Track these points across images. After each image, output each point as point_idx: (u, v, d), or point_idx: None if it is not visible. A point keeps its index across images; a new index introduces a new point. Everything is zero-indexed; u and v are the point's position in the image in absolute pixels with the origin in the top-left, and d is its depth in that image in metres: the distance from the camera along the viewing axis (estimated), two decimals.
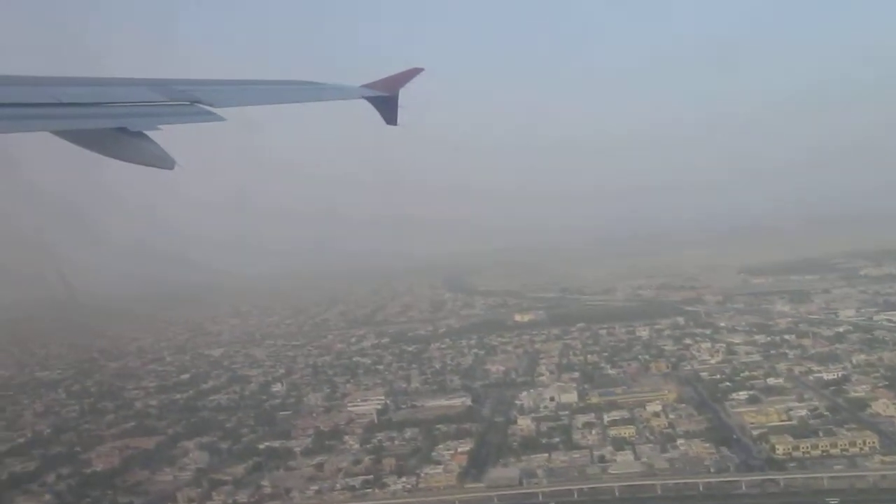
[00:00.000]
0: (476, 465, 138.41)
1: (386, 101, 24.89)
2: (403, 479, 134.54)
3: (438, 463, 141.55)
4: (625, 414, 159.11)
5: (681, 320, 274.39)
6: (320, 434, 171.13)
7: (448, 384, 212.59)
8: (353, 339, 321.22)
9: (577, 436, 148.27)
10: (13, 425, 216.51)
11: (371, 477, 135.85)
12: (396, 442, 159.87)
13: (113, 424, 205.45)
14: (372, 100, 24.61)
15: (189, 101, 18.57)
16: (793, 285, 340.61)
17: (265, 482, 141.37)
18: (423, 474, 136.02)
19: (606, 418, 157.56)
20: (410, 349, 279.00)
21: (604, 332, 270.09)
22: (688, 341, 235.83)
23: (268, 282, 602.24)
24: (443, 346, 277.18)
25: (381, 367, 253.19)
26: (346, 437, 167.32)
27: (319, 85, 23.29)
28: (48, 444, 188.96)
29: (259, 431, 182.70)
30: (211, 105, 18.54)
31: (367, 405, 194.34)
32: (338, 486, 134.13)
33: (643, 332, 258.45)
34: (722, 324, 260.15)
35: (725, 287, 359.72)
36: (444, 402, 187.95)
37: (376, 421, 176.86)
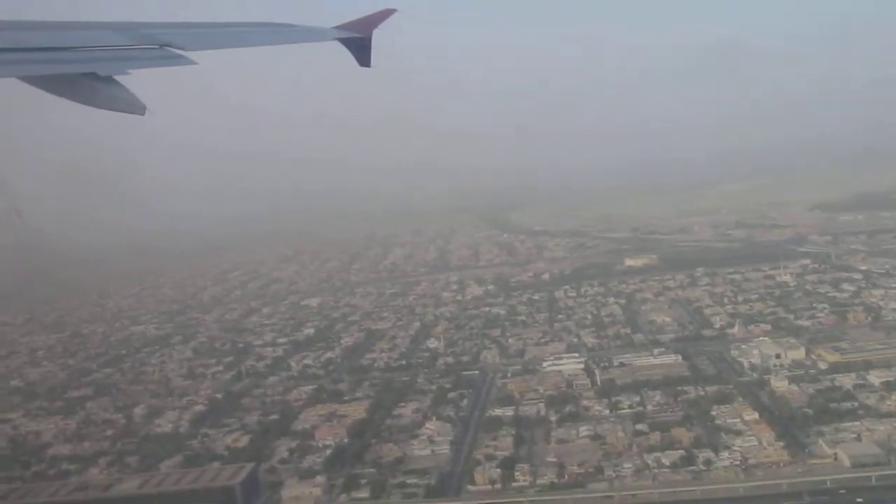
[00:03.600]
0: (786, 436, 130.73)
1: (359, 43, 25.37)
2: (723, 453, 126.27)
3: (737, 433, 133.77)
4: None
5: (809, 263, 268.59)
6: (550, 400, 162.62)
7: (629, 338, 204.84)
8: (454, 287, 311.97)
9: (870, 400, 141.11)
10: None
11: (682, 452, 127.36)
12: (650, 408, 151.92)
13: (291, 388, 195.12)
14: (345, 41, 24.97)
15: (159, 44, 18.47)
16: (888, 222, 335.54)
17: (552, 458, 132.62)
18: (735, 447, 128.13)
19: (875, 379, 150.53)
20: (536, 298, 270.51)
21: (738, 276, 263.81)
22: (848, 286, 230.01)
23: (283, 225, 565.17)
24: (569, 294, 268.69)
25: (522, 318, 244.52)
26: (585, 402, 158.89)
27: (292, 27, 23.58)
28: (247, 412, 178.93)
29: (469, 396, 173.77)
30: (182, 48, 18.54)
31: (564, 364, 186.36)
32: (651, 463, 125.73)
33: (785, 277, 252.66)
34: (862, 266, 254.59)
35: (815, 224, 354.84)
36: (652, 360, 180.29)
37: (599, 383, 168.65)
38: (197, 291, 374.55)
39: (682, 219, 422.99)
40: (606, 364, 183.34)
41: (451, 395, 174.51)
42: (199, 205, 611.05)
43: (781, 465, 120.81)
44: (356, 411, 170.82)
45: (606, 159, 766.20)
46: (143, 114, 16.35)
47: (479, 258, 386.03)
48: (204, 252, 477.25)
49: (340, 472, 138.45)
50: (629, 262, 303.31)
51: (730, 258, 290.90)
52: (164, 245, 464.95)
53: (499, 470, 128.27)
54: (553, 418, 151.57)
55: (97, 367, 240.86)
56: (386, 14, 27.02)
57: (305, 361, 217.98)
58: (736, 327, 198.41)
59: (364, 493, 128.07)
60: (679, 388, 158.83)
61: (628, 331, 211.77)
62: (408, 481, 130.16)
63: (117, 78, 16.69)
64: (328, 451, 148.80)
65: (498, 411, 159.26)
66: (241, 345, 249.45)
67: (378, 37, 26.19)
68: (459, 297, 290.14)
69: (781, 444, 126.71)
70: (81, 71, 16.40)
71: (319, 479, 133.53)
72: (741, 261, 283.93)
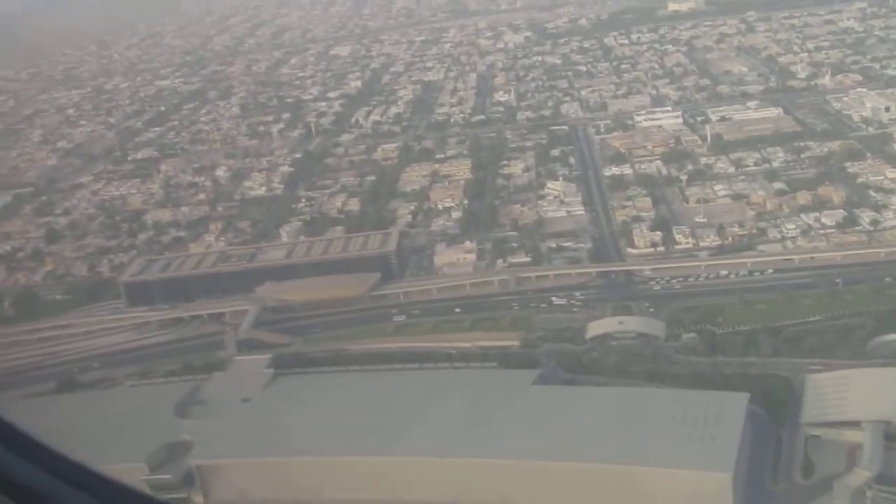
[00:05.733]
0: None
1: None
2: (886, 213, 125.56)
3: (888, 191, 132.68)
4: None
5: (866, 6, 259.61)
6: (665, 157, 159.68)
7: (712, 90, 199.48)
8: (488, 34, 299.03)
9: None
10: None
11: (841, 212, 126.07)
12: (776, 164, 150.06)
13: (372, 147, 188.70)
14: None
15: None
16: None
17: (701, 219, 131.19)
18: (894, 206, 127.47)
19: None
20: (586, 46, 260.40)
21: (795, 21, 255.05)
22: None
23: None
24: (621, 42, 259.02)
25: (582, 68, 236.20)
26: (703, 160, 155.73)
27: None
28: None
29: (573, 154, 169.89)
30: None
31: (660, 119, 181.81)
32: (813, 223, 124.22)
33: (849, 22, 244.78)
34: None
35: None
36: (752, 114, 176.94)
37: (709, 139, 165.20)
38: (204, 41, 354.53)
39: None
40: (703, 118, 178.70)
41: (553, 152, 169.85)
42: None
43: None
44: (459, 171, 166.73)
45: None
46: None
47: (497, 1, 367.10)
48: None
49: (481, 237, 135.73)
50: (673, 6, 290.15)
51: (778, 1, 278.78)
52: None
53: (657, 233, 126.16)
54: (679, 177, 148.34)
55: (143, 125, 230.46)
56: None
57: (373, 118, 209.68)
58: (826, 78, 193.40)
59: (520, 258, 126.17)
60: (796, 143, 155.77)
61: (707, 82, 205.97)
62: (563, 244, 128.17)
63: None
64: (454, 214, 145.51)
65: (614, 170, 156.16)
66: (289, 100, 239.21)
67: None
68: (501, 46, 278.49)
69: None
70: None
71: (468, 244, 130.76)
72: (790, 4, 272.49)
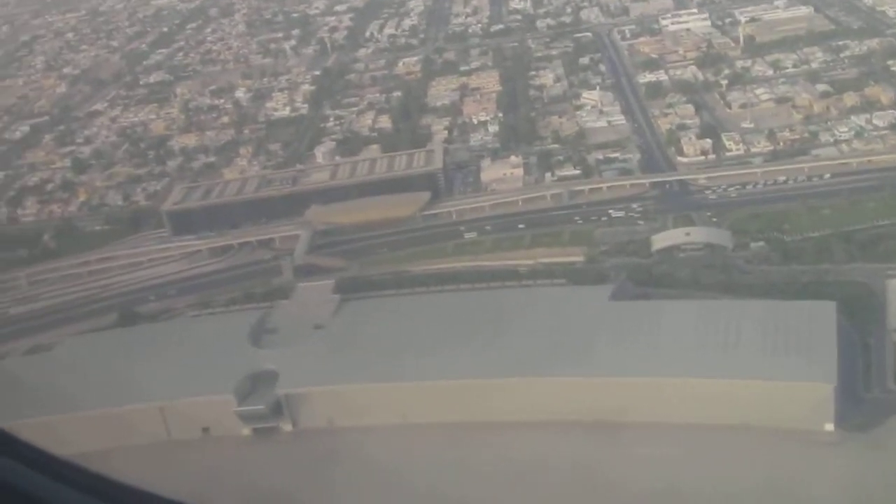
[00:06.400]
0: None
1: None
2: None
3: None
4: None
5: None
6: (699, 62, 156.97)
7: None
8: None
9: None
10: None
11: (894, 113, 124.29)
12: (815, 66, 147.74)
13: (392, 61, 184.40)
14: None
15: None
16: None
17: (748, 124, 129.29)
18: None
19: None
20: None
21: None
22: None
23: None
24: None
25: None
26: (739, 63, 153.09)
27: None
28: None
29: (602, 61, 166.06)
30: None
31: (687, 21, 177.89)
32: (865, 125, 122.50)
33: None
34: None
35: None
36: (782, 13, 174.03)
37: (741, 41, 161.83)
38: None
39: None
40: (731, 20, 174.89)
41: (582, 60, 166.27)
42: None
43: None
44: (487, 83, 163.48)
45: None
46: None
47: None
48: None
49: (523, 150, 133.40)
50: None
51: None
52: None
53: (707, 140, 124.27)
54: (717, 81, 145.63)
55: (148, 47, 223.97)
56: None
57: (388, 31, 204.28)
58: None
59: (569, 171, 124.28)
60: (833, 43, 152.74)
61: None
62: (610, 156, 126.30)
63: None
64: (490, 128, 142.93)
65: (649, 77, 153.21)
66: (295, 15, 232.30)
67: None
68: None
69: None
70: None
71: (514, 158, 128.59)
72: None
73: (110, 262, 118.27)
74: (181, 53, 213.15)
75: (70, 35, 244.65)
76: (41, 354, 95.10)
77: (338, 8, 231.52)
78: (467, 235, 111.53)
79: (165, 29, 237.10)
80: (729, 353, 74.91)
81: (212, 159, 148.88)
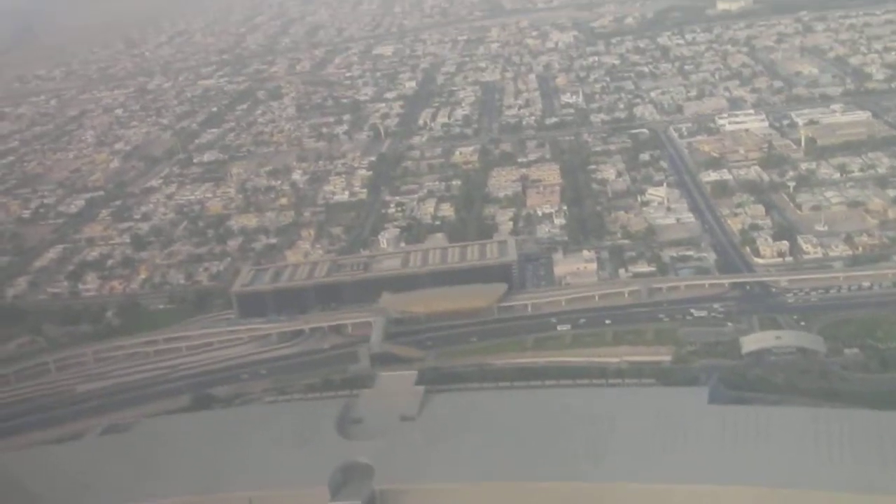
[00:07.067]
0: None
1: None
2: None
3: None
4: None
5: None
6: (762, 162, 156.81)
7: (787, 92, 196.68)
8: (534, 34, 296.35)
9: None
10: None
11: None
12: (882, 171, 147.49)
13: (448, 150, 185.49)
14: None
15: None
16: None
17: (822, 227, 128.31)
18: None
19: None
20: (641, 45, 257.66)
21: (854, 21, 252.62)
22: None
23: None
24: (676, 42, 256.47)
25: (642, 68, 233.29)
26: (803, 165, 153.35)
27: None
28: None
29: (663, 158, 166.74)
30: None
31: (744, 122, 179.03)
32: None
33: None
34: None
35: None
36: (840, 117, 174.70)
37: (803, 144, 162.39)
38: (237, 39, 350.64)
39: None
40: (788, 122, 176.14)
41: (642, 156, 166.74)
42: None
43: None
44: (548, 175, 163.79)
45: None
46: None
47: (533, 0, 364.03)
48: None
49: (593, 245, 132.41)
50: (722, 5, 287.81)
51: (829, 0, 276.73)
52: None
53: (784, 242, 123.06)
54: (784, 182, 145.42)
55: (199, 126, 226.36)
56: None
57: (441, 120, 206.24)
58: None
59: (643, 267, 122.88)
60: None
61: (780, 84, 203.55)
62: (685, 254, 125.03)
63: None
64: (556, 220, 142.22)
65: (713, 175, 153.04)
66: (344, 100, 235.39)
67: None
68: (551, 46, 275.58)
69: None
70: None
71: (587, 253, 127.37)
72: (842, 2, 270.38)
73: (178, 343, 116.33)
74: (232, 133, 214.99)
75: (119, 111, 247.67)
76: (119, 435, 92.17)
77: (387, 95, 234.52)
78: (547, 330, 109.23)
79: (215, 109, 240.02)
80: (845, 464, 71.92)
81: (273, 241, 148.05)
